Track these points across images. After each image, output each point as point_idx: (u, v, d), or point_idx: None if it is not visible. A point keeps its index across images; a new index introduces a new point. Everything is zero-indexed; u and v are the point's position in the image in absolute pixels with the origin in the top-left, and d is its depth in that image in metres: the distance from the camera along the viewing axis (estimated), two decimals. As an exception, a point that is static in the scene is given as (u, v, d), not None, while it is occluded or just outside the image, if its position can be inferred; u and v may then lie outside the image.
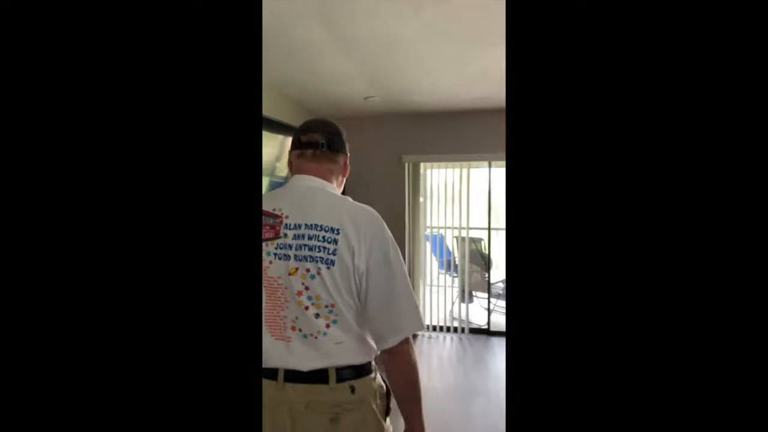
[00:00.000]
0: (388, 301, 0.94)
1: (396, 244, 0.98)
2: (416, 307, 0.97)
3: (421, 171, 4.37)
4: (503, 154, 4.09)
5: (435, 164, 4.37)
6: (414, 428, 0.99)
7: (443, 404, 2.84)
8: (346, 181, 1.12)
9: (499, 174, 4.58)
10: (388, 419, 1.01)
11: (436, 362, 3.71)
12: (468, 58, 2.62)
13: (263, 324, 0.97)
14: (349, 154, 1.10)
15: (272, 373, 0.95)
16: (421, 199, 4.40)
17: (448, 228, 4.60)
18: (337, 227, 0.93)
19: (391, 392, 1.01)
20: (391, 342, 0.95)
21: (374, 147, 4.29)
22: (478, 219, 4.63)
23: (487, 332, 4.37)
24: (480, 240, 4.81)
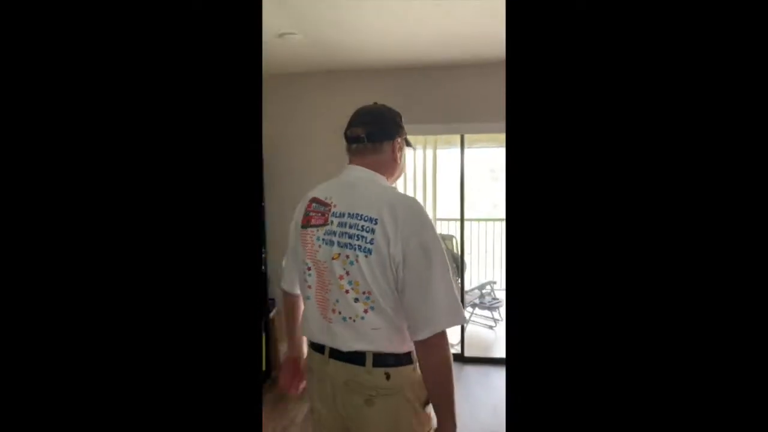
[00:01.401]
0: (424, 291, 0.96)
1: (438, 236, 1.00)
2: (455, 299, 0.99)
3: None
4: (482, 125, 3.10)
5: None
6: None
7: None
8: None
9: (474, 154, 3.82)
10: (428, 407, 1.04)
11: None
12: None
13: (314, 301, 1.07)
14: (399, 138, 1.13)
15: (320, 348, 1.08)
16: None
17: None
18: (375, 217, 0.99)
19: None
20: (425, 333, 0.96)
21: (303, 116, 3.22)
22: (448, 209, 3.64)
23: (460, 359, 3.31)
24: (450, 237, 3.85)
